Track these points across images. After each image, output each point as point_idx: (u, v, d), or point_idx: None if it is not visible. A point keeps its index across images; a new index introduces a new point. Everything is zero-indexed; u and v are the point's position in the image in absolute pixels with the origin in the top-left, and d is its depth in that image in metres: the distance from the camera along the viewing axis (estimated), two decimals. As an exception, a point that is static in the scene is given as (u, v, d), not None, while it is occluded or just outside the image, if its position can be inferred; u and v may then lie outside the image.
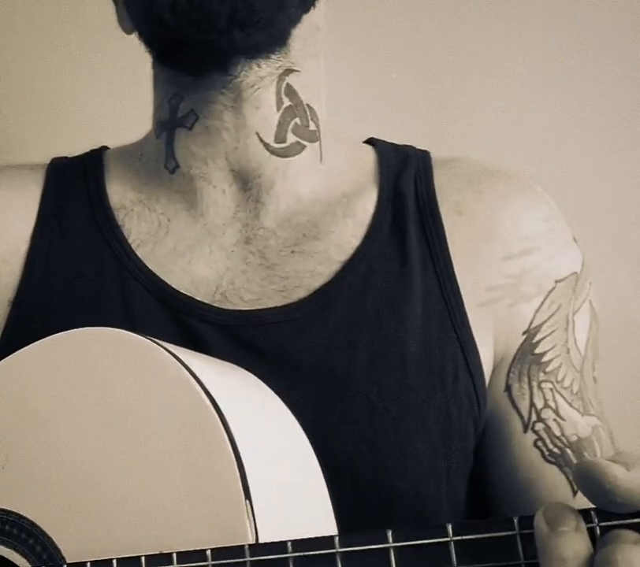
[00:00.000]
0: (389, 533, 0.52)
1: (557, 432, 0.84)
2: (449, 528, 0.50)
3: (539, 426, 0.85)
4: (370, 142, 0.96)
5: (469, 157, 0.95)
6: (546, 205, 0.92)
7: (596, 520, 0.47)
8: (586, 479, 0.49)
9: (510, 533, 0.48)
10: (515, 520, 0.48)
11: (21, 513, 0.68)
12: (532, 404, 0.85)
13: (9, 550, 0.68)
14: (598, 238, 1.22)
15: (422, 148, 0.96)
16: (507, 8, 1.30)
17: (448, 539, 0.50)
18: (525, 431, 0.85)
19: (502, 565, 0.48)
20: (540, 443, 0.84)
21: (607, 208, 1.28)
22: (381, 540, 0.52)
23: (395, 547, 0.51)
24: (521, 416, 0.85)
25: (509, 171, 0.94)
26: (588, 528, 0.48)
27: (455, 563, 0.49)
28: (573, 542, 0.47)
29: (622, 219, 1.28)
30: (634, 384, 1.24)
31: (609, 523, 0.47)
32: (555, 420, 0.85)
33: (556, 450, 0.84)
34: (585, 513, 0.48)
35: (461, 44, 1.31)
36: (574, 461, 0.83)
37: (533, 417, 0.85)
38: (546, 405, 0.85)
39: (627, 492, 0.47)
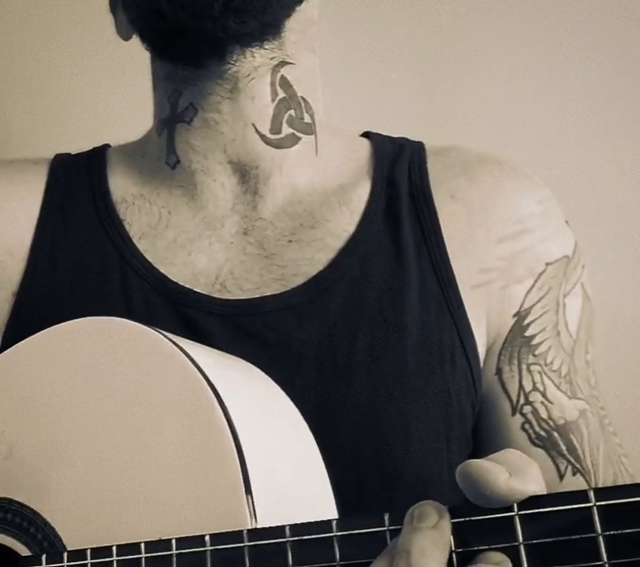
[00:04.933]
0: (386, 516, 0.52)
1: (544, 415, 0.85)
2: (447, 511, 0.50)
3: (527, 409, 0.86)
4: (366, 135, 0.98)
5: (462, 144, 0.96)
6: (539, 188, 0.93)
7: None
8: (469, 482, 0.50)
9: (508, 514, 0.48)
10: (516, 505, 0.48)
11: (23, 503, 0.68)
12: (521, 387, 0.86)
13: (11, 538, 0.68)
14: (598, 237, 1.23)
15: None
16: (506, 7, 1.31)
17: (446, 521, 0.50)
18: (513, 414, 0.86)
19: (499, 547, 0.48)
20: (527, 426, 0.85)
21: (607, 208, 1.28)
22: (378, 524, 0.52)
23: (392, 530, 0.52)
24: (510, 399, 0.86)
25: (502, 157, 0.95)
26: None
27: (452, 546, 0.49)
28: (422, 539, 0.49)
29: (622, 219, 1.28)
30: (635, 384, 1.24)
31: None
32: (542, 402, 0.85)
33: (542, 433, 0.85)
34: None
35: (461, 44, 1.31)
36: (561, 444, 0.85)
37: (522, 400, 0.86)
38: (534, 388, 0.86)
39: (503, 498, 0.49)
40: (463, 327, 0.86)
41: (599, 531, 0.46)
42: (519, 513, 0.48)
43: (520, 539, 0.48)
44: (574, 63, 1.30)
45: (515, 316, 0.87)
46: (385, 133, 0.98)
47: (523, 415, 0.86)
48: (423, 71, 1.32)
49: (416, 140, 0.97)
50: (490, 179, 0.91)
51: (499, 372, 0.87)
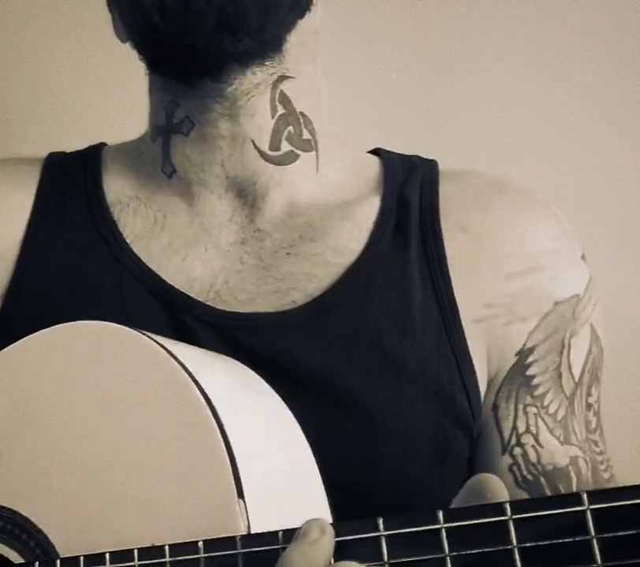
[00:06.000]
0: (380, 521, 0.52)
1: (534, 459, 0.84)
2: (440, 514, 0.50)
3: (517, 450, 0.84)
4: (376, 152, 0.96)
5: (478, 170, 0.93)
6: (554, 223, 0.90)
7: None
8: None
9: (502, 518, 0.48)
10: (507, 506, 0.48)
11: (14, 509, 0.68)
12: (514, 427, 0.84)
13: (3, 545, 0.68)
14: (598, 238, 1.22)
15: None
16: (506, 7, 1.30)
17: (440, 526, 0.50)
18: (503, 453, 0.85)
19: (494, 550, 0.48)
20: (515, 468, 0.84)
21: (607, 208, 1.28)
22: (373, 529, 0.52)
23: (386, 535, 0.51)
24: (502, 438, 0.85)
25: (519, 186, 0.92)
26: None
27: (446, 550, 0.49)
28: (295, 553, 0.52)
29: (622, 219, 1.28)
30: (635, 384, 1.23)
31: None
32: (533, 446, 0.84)
33: (529, 477, 0.83)
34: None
35: (461, 43, 1.31)
36: (547, 490, 0.83)
37: (513, 441, 0.84)
38: (527, 430, 0.84)
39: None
40: (464, 361, 0.84)
41: (593, 533, 0.45)
42: (513, 516, 0.48)
43: (514, 542, 0.47)
44: (574, 63, 1.30)
45: (517, 354, 0.85)
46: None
47: (513, 456, 0.84)
48: (423, 71, 1.32)
49: (428, 159, 0.94)
50: (502, 212, 0.88)
51: (495, 408, 0.85)
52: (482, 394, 0.85)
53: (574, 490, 0.83)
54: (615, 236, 1.27)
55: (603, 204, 1.28)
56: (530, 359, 0.85)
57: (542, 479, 0.83)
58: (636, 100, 1.29)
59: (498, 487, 0.54)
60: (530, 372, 0.85)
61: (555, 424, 0.84)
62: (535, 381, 0.85)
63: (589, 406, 0.87)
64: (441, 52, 1.31)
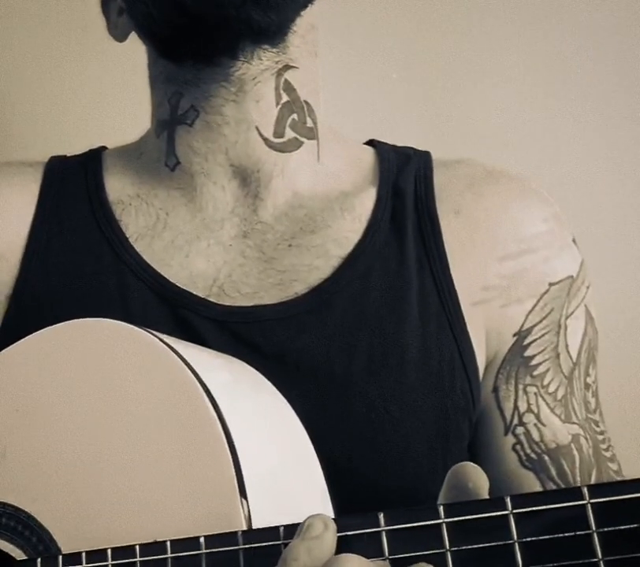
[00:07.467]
0: (381, 516, 0.52)
1: (536, 438, 0.84)
2: (441, 509, 0.50)
3: (519, 430, 0.85)
4: (371, 143, 0.97)
5: (471, 158, 0.95)
6: (547, 207, 0.91)
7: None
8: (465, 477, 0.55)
9: (502, 513, 0.48)
10: (508, 500, 0.48)
11: (17, 506, 0.68)
12: (516, 407, 0.85)
13: (5, 542, 0.68)
14: (598, 238, 1.22)
15: (422, 148, 0.96)
16: (507, 8, 1.30)
17: (440, 520, 0.50)
18: (505, 433, 0.85)
19: (494, 545, 0.48)
20: (518, 447, 0.85)
21: (607, 208, 1.28)
22: (374, 524, 0.52)
23: (387, 530, 0.51)
24: (504, 419, 0.86)
25: (511, 172, 0.94)
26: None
27: (447, 545, 0.49)
28: (299, 547, 0.52)
29: (622, 219, 1.28)
30: (634, 384, 1.23)
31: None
32: (535, 425, 0.85)
33: (533, 455, 0.84)
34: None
35: (461, 43, 1.31)
36: (551, 468, 0.84)
37: (515, 420, 0.85)
38: (529, 410, 0.85)
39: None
40: (464, 344, 0.85)
41: (593, 528, 0.45)
42: (514, 511, 0.48)
43: (515, 536, 0.48)
44: (575, 63, 1.30)
45: (515, 335, 0.87)
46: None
47: (516, 436, 0.85)
48: (423, 71, 1.32)
49: (422, 150, 0.95)
50: (496, 196, 0.90)
51: (496, 390, 0.86)
52: (481, 377, 0.86)
53: (578, 468, 0.84)
54: (615, 236, 1.27)
55: (603, 204, 1.28)
56: (528, 340, 0.86)
57: (546, 458, 0.84)
58: (636, 100, 1.29)
59: (477, 475, 0.54)
60: (528, 352, 0.86)
61: (555, 403, 0.85)
62: (534, 361, 0.86)
63: (587, 386, 0.88)
64: (441, 52, 1.31)
